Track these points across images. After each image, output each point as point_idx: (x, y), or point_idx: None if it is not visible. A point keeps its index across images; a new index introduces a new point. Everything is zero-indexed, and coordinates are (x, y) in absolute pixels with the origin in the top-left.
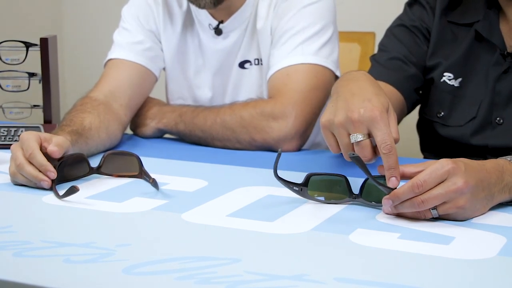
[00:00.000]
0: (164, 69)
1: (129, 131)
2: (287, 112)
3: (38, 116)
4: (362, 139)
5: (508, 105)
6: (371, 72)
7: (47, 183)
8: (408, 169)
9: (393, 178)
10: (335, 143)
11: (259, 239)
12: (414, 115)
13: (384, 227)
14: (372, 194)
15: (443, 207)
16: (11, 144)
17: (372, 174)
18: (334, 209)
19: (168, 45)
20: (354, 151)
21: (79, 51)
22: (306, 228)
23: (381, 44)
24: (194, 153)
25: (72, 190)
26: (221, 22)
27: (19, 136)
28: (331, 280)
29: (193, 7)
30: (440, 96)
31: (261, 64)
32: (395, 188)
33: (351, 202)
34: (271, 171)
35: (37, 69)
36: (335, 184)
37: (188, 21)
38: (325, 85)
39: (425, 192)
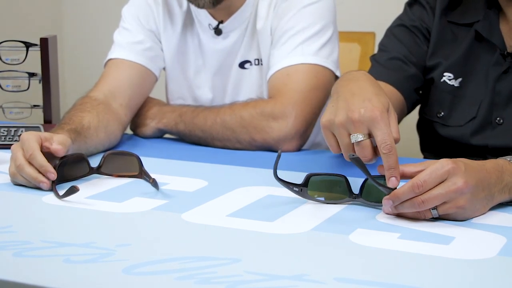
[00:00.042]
0: (164, 69)
1: (129, 131)
2: (287, 112)
3: (38, 116)
4: (362, 139)
5: (508, 105)
6: (371, 72)
7: (46, 184)
8: (408, 168)
9: (393, 178)
10: (335, 143)
11: (259, 239)
12: (414, 115)
13: (384, 227)
14: (372, 194)
15: (443, 207)
16: (11, 144)
17: (372, 175)
18: (334, 209)
19: (168, 45)
20: (354, 151)
21: (79, 51)
22: (306, 228)
23: (381, 44)
24: (194, 153)
25: (72, 190)
26: (221, 22)
27: (19, 136)
28: (331, 280)
29: (193, 7)
30: (440, 96)
31: (261, 64)
32: (395, 188)
33: (351, 202)
34: (271, 171)
35: (37, 69)
36: (335, 184)
37: (188, 21)
38: (325, 85)
39: (425, 192)
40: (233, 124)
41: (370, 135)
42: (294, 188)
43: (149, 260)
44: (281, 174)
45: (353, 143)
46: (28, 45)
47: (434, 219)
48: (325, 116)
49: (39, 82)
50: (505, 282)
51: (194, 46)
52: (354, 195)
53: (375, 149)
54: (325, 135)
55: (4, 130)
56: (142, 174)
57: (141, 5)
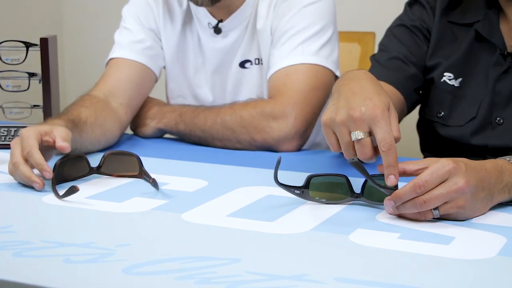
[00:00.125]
0: (164, 67)
1: (129, 131)
2: (287, 112)
3: (38, 116)
4: (363, 137)
5: (508, 105)
6: (371, 72)
7: (38, 185)
8: (409, 166)
9: (392, 176)
10: (336, 142)
11: (259, 239)
12: (414, 115)
13: (384, 227)
14: (374, 193)
15: (444, 207)
16: None
17: (373, 175)
18: (334, 209)
19: (168, 43)
20: (354, 150)
21: (79, 51)
22: (306, 228)
23: (381, 44)
24: (194, 153)
25: (72, 190)
26: (220, 21)
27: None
28: (331, 280)
29: (192, 5)
30: (440, 96)
31: (262, 64)
32: (396, 189)
33: (353, 201)
34: (271, 171)
35: (37, 69)
36: (336, 184)
37: (188, 20)
38: (325, 85)
39: (426, 192)
40: (233, 124)
41: (370, 134)
42: (296, 191)
43: (149, 260)
44: (281, 174)
45: (353, 141)
46: (28, 45)
47: (434, 219)
48: (326, 114)
49: (39, 82)
50: (505, 282)
51: (194, 45)
52: (355, 195)
53: (375, 149)
54: (325, 133)
55: (4, 130)
56: (142, 174)
57: (141, 4)
